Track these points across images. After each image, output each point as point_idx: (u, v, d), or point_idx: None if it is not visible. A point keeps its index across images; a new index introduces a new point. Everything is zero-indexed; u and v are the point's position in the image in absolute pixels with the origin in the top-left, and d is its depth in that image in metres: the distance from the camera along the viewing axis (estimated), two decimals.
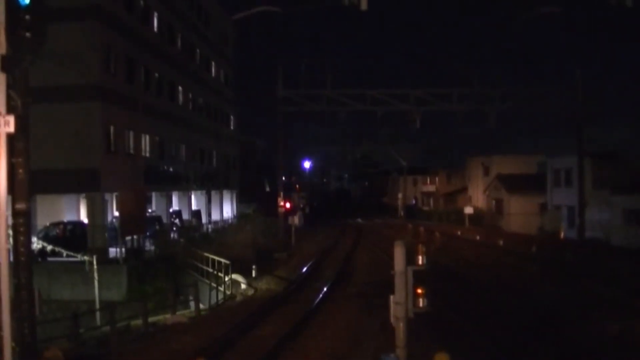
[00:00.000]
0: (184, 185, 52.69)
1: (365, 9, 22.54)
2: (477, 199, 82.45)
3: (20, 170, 11.73)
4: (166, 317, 25.75)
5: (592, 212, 53.05)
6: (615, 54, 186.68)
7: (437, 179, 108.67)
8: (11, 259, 11.71)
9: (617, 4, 22.64)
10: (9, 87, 11.05)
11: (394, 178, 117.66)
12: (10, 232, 11.89)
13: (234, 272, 31.94)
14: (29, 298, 11.96)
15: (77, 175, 35.90)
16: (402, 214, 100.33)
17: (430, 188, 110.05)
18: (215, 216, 61.79)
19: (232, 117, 72.66)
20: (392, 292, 10.47)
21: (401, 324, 10.38)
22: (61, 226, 37.50)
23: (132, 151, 41.27)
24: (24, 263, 11.91)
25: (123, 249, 35.35)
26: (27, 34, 11.05)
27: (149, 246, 39.70)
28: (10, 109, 11.03)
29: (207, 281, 31.33)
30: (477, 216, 76.67)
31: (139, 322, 23.90)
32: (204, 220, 57.34)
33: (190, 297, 29.94)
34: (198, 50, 58.15)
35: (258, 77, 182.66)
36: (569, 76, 56.15)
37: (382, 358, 10.06)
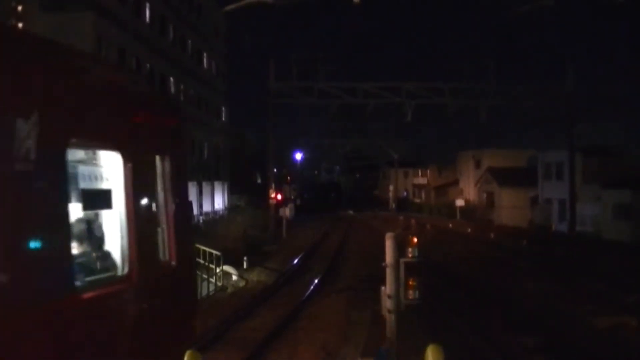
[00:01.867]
0: None
1: (358, 2, 22.51)
2: (468, 192, 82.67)
3: None
4: None
5: (583, 206, 53.33)
6: (608, 51, 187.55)
7: (428, 171, 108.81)
8: None
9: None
10: None
11: (385, 171, 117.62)
12: None
13: (225, 263, 31.90)
14: None
15: None
16: (393, 206, 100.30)
17: (422, 181, 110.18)
18: (206, 207, 61.74)
19: (223, 108, 72.50)
20: (384, 284, 10.48)
21: (392, 316, 10.41)
22: None
23: None
24: None
25: None
26: (19, 25, 11.04)
27: None
28: None
29: (198, 272, 31.26)
30: (469, 209, 76.87)
31: None
32: (195, 211, 57.23)
33: None
34: (190, 42, 57.93)
35: (250, 69, 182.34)
36: (562, 72, 56.18)
37: (379, 351, 10.10)
